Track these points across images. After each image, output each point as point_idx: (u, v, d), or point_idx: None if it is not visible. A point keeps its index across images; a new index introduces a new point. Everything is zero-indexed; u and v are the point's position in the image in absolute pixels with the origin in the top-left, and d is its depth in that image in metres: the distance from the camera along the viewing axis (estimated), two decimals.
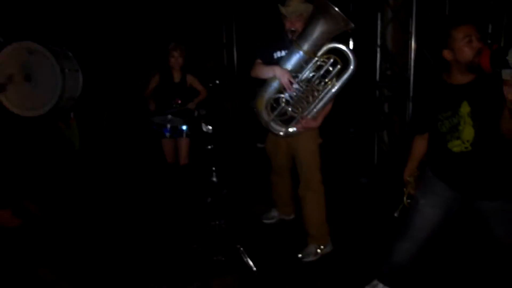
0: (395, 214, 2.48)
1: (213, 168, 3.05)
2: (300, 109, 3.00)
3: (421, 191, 2.43)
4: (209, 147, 3.04)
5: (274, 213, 3.97)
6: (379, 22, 5.11)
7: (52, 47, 4.91)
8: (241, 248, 3.05)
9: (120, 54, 7.16)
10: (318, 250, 3.26)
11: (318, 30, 2.80)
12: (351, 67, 2.86)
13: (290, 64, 2.94)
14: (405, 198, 2.51)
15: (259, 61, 3.17)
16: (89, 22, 6.57)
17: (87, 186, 5.14)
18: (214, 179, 3.04)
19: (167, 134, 3.98)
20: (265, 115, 3.02)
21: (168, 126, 3.83)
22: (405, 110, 5.03)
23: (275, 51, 3.18)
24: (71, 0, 6.23)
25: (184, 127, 4.07)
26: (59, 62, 4.71)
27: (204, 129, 3.00)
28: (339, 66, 2.88)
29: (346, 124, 6.34)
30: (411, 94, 4.81)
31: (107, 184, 5.29)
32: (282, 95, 2.99)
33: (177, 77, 4.21)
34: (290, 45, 3.05)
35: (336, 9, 2.67)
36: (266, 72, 3.04)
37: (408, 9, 4.71)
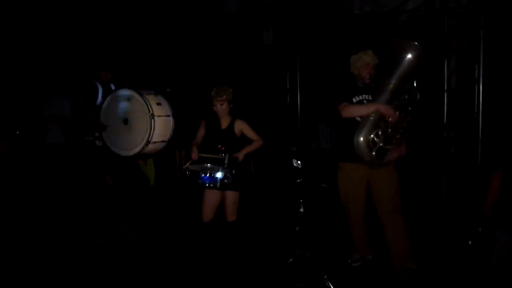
0: (470, 242, 2.76)
1: (301, 200, 3.34)
2: (394, 140, 3.36)
3: (504, 230, 2.72)
4: (298, 180, 3.34)
5: (357, 256, 3.98)
6: (445, 68, 5.35)
7: (145, 94, 5.44)
8: (325, 276, 3.28)
9: (192, 98, 7.77)
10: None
11: (405, 65, 3.25)
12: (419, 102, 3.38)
13: (380, 101, 3.35)
14: (480, 228, 2.79)
15: (346, 103, 3.52)
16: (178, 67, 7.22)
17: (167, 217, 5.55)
18: (302, 210, 3.33)
19: (207, 183, 3.61)
20: (366, 155, 3.30)
21: (208, 174, 3.58)
22: (472, 152, 5.15)
23: (353, 96, 3.61)
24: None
25: (219, 175, 3.58)
26: (150, 109, 5.22)
27: (295, 164, 3.33)
28: (416, 102, 3.37)
29: (411, 167, 6.45)
30: (480, 137, 4.96)
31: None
32: (380, 130, 3.31)
33: (224, 123, 3.90)
34: (364, 90, 3.56)
35: (416, 43, 3.16)
36: (366, 108, 3.41)
37: (476, 55, 4.97)
